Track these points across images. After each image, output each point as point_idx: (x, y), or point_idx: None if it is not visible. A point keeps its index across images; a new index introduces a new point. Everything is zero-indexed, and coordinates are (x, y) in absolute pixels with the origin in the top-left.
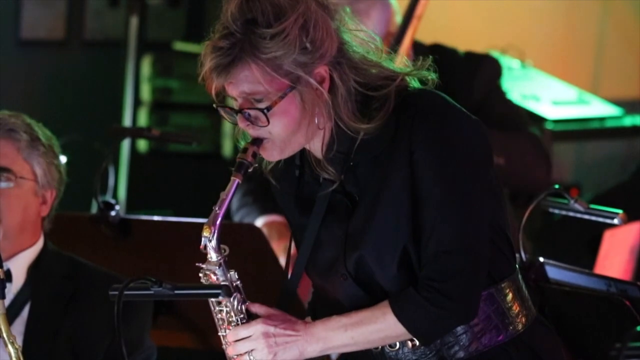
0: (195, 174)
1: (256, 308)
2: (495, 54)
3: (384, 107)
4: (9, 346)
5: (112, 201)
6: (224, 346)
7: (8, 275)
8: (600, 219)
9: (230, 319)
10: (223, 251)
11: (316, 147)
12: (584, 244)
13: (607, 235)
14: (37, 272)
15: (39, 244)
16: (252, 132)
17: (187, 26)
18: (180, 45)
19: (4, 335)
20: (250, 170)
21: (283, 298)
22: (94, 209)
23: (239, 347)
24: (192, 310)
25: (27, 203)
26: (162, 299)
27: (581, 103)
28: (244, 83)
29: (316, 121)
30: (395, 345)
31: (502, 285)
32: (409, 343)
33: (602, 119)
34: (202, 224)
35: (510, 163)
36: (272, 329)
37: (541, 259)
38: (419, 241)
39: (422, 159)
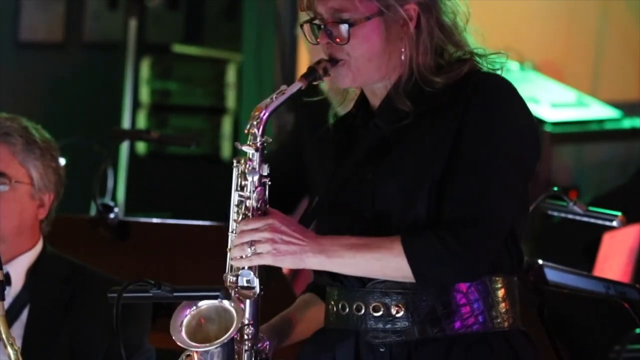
0: (194, 176)
1: (273, 211)
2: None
3: (456, 70)
4: (9, 348)
5: (111, 203)
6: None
7: (7, 279)
8: (599, 221)
9: (248, 212)
10: (265, 139)
11: (380, 91)
12: (583, 246)
13: (606, 238)
14: (36, 275)
15: (38, 247)
16: (332, 50)
17: (186, 29)
18: (179, 48)
19: (4, 337)
20: (316, 82)
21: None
22: (93, 211)
23: (244, 236)
24: None
25: (24, 206)
26: (161, 301)
27: (580, 105)
28: None
29: (397, 58)
30: (380, 309)
31: (496, 278)
32: (393, 309)
33: (601, 122)
34: (201, 227)
35: None
36: (282, 227)
37: (540, 262)
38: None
39: (473, 127)
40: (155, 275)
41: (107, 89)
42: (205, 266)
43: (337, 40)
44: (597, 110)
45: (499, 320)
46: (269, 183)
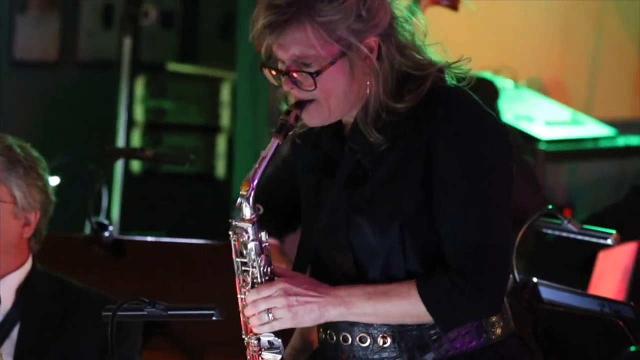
0: (188, 194)
1: (281, 270)
2: (488, 74)
3: (417, 91)
4: None
5: (106, 222)
6: (241, 310)
7: None
8: (594, 239)
9: (255, 280)
10: (258, 210)
11: (350, 117)
12: (577, 264)
13: (601, 256)
14: (26, 294)
15: (27, 264)
16: (298, 94)
17: (180, 47)
18: (173, 66)
19: None
20: (290, 132)
21: (297, 265)
22: (88, 230)
23: (259, 304)
24: (185, 330)
25: (7, 225)
26: (155, 320)
27: (575, 123)
28: (296, 45)
29: (362, 90)
30: (366, 340)
31: None
32: (380, 340)
33: (595, 140)
34: (195, 245)
35: None
36: (294, 288)
37: (535, 280)
38: (421, 230)
39: (446, 149)
40: (150, 294)
41: (102, 107)
42: (200, 285)
43: (305, 87)
44: (591, 128)
45: (486, 335)
46: (269, 247)
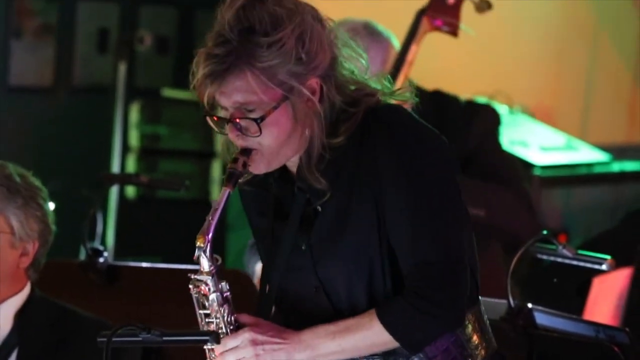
0: (183, 220)
1: (245, 318)
2: (484, 99)
3: (350, 121)
4: None
5: (101, 248)
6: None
7: None
8: (589, 265)
9: (220, 330)
10: (216, 261)
11: (293, 160)
12: (572, 290)
13: (596, 282)
14: (24, 319)
15: (25, 290)
16: (242, 142)
17: (175, 73)
18: (168, 92)
19: None
20: (240, 180)
21: (261, 311)
22: (83, 256)
23: (227, 357)
24: (180, 356)
25: (4, 255)
26: (150, 345)
27: (569, 149)
28: (237, 92)
29: (306, 133)
30: None
31: None
32: None
33: (590, 165)
34: (191, 271)
35: (491, 215)
36: (260, 337)
37: (529, 305)
38: (387, 254)
39: (388, 173)
40: (145, 320)
41: (97, 132)
42: (194, 310)
43: (250, 133)
44: (586, 154)
45: (474, 357)
46: (230, 296)
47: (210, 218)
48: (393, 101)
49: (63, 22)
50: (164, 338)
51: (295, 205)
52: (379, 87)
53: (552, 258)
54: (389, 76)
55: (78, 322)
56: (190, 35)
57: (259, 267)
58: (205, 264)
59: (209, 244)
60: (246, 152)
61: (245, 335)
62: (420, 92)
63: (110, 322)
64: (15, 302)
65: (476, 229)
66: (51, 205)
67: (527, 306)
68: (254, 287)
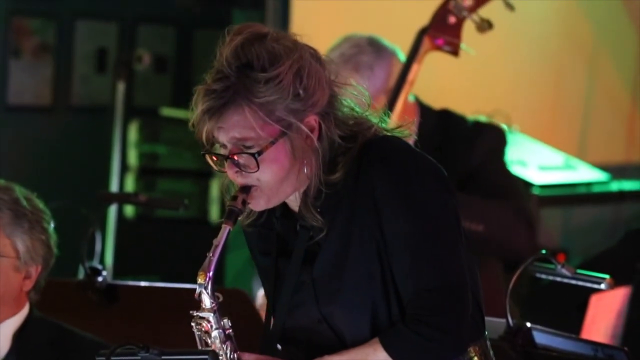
0: (182, 239)
1: (247, 357)
2: (483, 118)
3: (347, 155)
4: None
5: (99, 267)
6: None
7: None
8: (588, 284)
9: None
10: (217, 298)
11: (293, 198)
12: (571, 309)
13: (594, 300)
14: (22, 339)
15: (24, 311)
16: (241, 179)
17: (174, 92)
18: (167, 111)
19: None
20: (240, 217)
21: (265, 347)
22: (81, 275)
23: None
24: None
25: (7, 279)
26: None
27: (568, 168)
28: (235, 127)
29: (305, 170)
30: None
31: (469, 349)
32: None
33: (588, 184)
34: (189, 290)
35: (490, 231)
36: None
37: (528, 324)
38: (392, 283)
39: (386, 202)
40: (144, 339)
41: (95, 152)
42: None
43: (248, 169)
44: (584, 173)
45: None
46: (232, 333)
47: (211, 255)
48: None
49: (61, 41)
50: (163, 357)
51: (298, 242)
52: (376, 121)
53: (551, 277)
54: (389, 111)
55: (76, 342)
56: (189, 54)
57: (261, 292)
58: (206, 300)
59: (210, 281)
60: (245, 189)
61: None
62: (427, 111)
63: (108, 342)
64: (14, 322)
65: (474, 245)
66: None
67: (525, 325)
68: (253, 306)
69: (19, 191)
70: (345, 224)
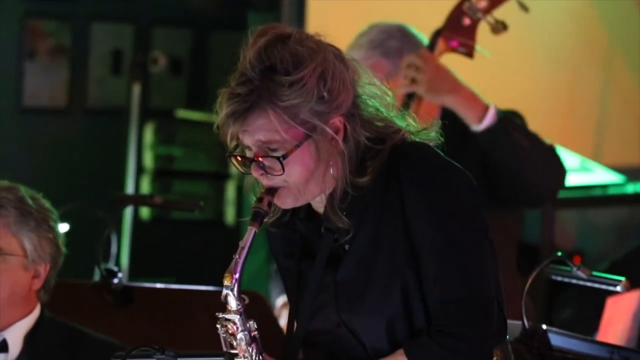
0: (198, 241)
1: None
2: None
3: (377, 159)
4: None
5: (115, 269)
6: None
7: (4, 345)
8: (603, 287)
9: None
10: (243, 300)
11: (318, 199)
12: (587, 311)
13: (610, 303)
14: (34, 341)
15: (35, 312)
16: (266, 181)
17: (189, 94)
18: (182, 113)
19: None
20: (265, 219)
21: (289, 352)
22: (97, 277)
23: None
24: None
25: (16, 278)
26: None
27: (584, 170)
28: (260, 131)
29: (331, 171)
30: None
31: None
32: None
33: (604, 187)
34: (205, 292)
35: (534, 149)
36: None
37: (544, 326)
38: (416, 290)
39: (415, 210)
40: (159, 341)
41: (111, 154)
42: (208, 331)
43: (273, 172)
44: (600, 175)
45: None
46: (258, 335)
47: (237, 257)
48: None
49: (77, 43)
50: (178, 359)
51: (322, 244)
52: (404, 124)
53: (566, 279)
54: (414, 114)
55: (88, 343)
56: (204, 56)
57: (279, 301)
58: (232, 302)
59: (236, 283)
60: (271, 191)
61: None
62: (448, 111)
63: (121, 343)
64: (25, 324)
65: (513, 163)
66: (65, 226)
67: (541, 327)
68: (269, 308)
69: (24, 191)
70: (373, 229)
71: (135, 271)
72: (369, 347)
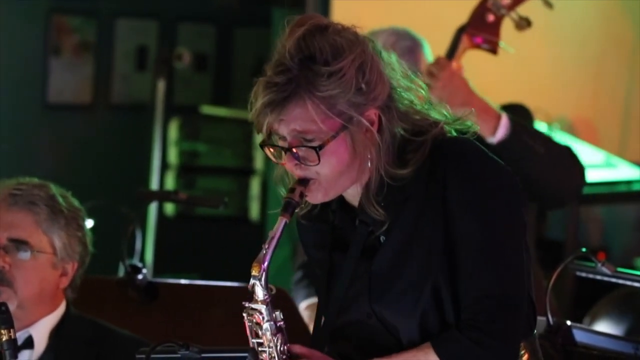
0: (222, 237)
1: (298, 349)
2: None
3: (419, 152)
4: None
5: (139, 264)
6: None
7: (30, 342)
8: (628, 283)
9: None
10: (270, 290)
11: (354, 190)
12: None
13: None
14: (59, 337)
15: (61, 308)
16: (300, 172)
17: (214, 90)
18: (207, 109)
19: None
20: (297, 210)
21: (316, 343)
22: (121, 273)
23: None
24: None
25: (44, 275)
26: None
27: (608, 166)
28: (296, 120)
29: (367, 164)
30: None
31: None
32: None
33: (629, 182)
34: (229, 288)
35: (550, 155)
36: None
37: (568, 323)
38: (447, 285)
39: (457, 205)
40: (184, 337)
41: (135, 150)
42: (233, 327)
43: (308, 162)
44: (625, 171)
45: None
46: (284, 325)
47: (266, 247)
48: (454, 132)
49: (102, 39)
50: (203, 355)
51: (356, 235)
52: (440, 116)
53: (591, 275)
54: (447, 105)
55: (113, 339)
56: (229, 52)
57: (302, 305)
58: (259, 292)
59: (264, 273)
60: (303, 182)
61: None
62: None
63: (145, 339)
64: (51, 320)
65: (527, 168)
66: (90, 223)
67: (565, 324)
68: (293, 304)
69: (55, 189)
70: (411, 221)
71: (160, 267)
72: (400, 338)
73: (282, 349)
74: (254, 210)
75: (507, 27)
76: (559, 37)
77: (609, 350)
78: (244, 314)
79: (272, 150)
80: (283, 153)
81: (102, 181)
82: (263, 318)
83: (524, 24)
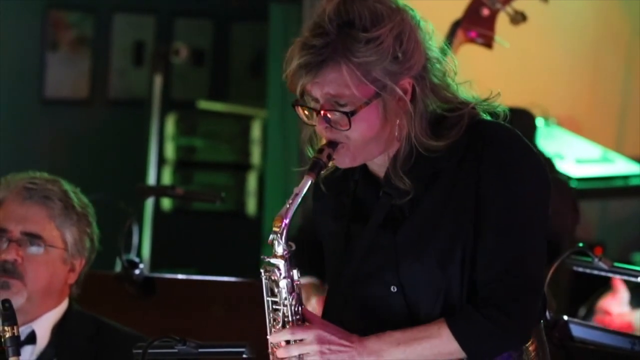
0: (219, 232)
1: (313, 316)
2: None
3: (456, 128)
4: None
5: (136, 259)
6: (270, 350)
7: (32, 337)
8: (625, 277)
9: (286, 319)
10: (290, 246)
11: (380, 160)
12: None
13: None
14: (61, 333)
15: (64, 304)
16: (330, 135)
17: (211, 85)
18: (204, 104)
19: None
20: (323, 171)
21: (328, 315)
22: (119, 268)
23: (291, 349)
24: None
25: (54, 270)
26: (186, 358)
27: (605, 161)
28: (331, 84)
29: (395, 132)
30: None
31: None
32: None
33: (626, 177)
34: (226, 282)
35: None
36: (327, 336)
37: (565, 317)
38: (470, 261)
39: (491, 183)
40: (181, 332)
41: (132, 145)
42: (230, 322)
43: (339, 126)
44: (621, 166)
45: None
46: (300, 285)
47: (289, 202)
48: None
49: (99, 34)
50: (200, 350)
51: (378, 206)
52: (468, 97)
53: (588, 270)
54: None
55: (114, 336)
56: (226, 47)
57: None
58: (279, 248)
59: (285, 228)
60: (333, 144)
61: (313, 332)
62: None
63: (145, 335)
64: (54, 315)
65: None
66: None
67: (562, 318)
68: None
69: (66, 184)
70: (442, 195)
71: (157, 262)
72: (419, 315)
73: (296, 308)
74: (251, 206)
75: (502, 21)
76: (555, 32)
77: (606, 345)
78: (261, 270)
79: (304, 110)
80: (314, 114)
81: (99, 176)
82: (280, 275)
83: (519, 18)
